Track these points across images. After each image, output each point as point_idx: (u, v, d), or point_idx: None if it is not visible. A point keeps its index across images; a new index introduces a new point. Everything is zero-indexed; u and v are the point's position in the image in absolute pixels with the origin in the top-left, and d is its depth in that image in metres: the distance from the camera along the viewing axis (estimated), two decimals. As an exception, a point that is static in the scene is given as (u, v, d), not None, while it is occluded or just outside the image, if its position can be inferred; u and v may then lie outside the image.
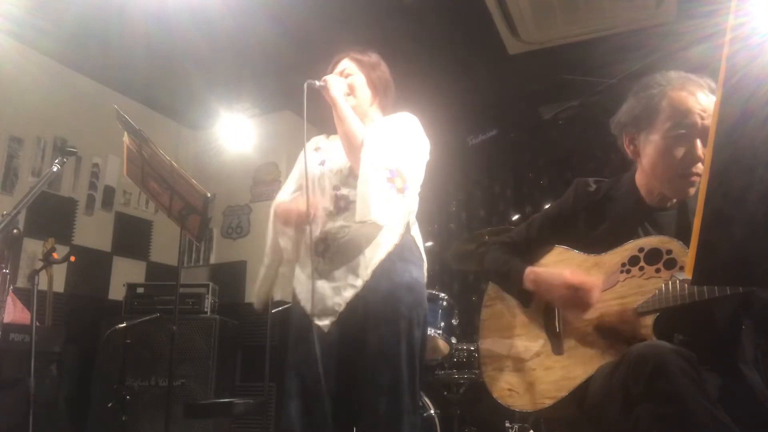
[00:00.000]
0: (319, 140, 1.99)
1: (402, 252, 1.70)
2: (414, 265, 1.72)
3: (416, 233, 1.79)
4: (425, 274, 1.78)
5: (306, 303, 1.70)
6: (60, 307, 3.50)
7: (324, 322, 1.65)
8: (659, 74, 1.47)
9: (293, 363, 1.68)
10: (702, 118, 1.36)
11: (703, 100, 1.37)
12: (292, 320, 1.76)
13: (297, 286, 1.78)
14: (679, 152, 1.37)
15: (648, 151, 1.44)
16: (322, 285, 1.68)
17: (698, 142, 1.35)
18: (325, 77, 1.80)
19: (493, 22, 3.39)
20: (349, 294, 1.65)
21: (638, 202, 1.48)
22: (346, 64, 1.92)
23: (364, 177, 1.62)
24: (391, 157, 1.66)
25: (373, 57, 1.96)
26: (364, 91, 1.89)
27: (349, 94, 1.85)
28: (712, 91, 1.40)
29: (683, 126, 1.37)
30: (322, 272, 1.70)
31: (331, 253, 1.69)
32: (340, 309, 1.64)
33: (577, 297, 1.39)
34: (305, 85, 1.72)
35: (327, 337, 1.63)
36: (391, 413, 1.54)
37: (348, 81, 1.87)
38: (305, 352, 1.63)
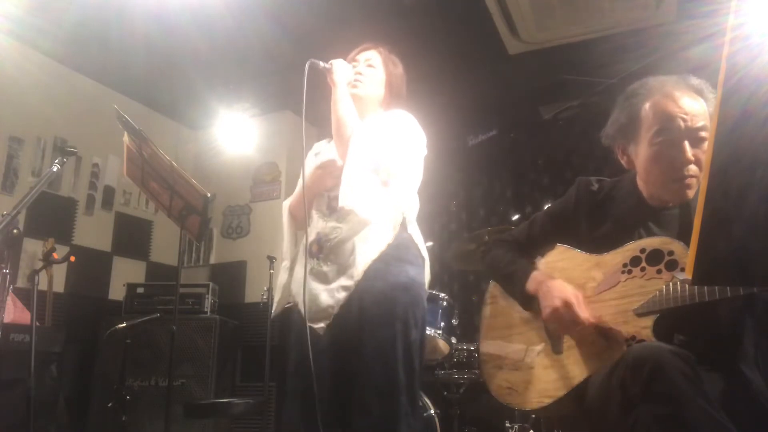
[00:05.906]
0: (320, 145, 1.98)
1: (398, 251, 1.67)
2: (411, 265, 1.69)
3: (414, 232, 1.75)
4: (426, 273, 1.75)
5: (301, 305, 1.68)
6: (60, 307, 3.49)
7: (319, 325, 1.62)
8: (639, 83, 1.47)
9: (293, 365, 1.67)
10: (684, 121, 1.35)
11: (685, 103, 1.37)
12: (292, 322, 1.74)
13: (294, 288, 1.76)
14: (668, 158, 1.37)
15: (639, 160, 1.45)
16: (317, 287, 1.66)
17: (686, 144, 1.35)
18: (332, 60, 1.78)
19: (493, 22, 3.39)
20: (341, 296, 1.62)
21: (640, 202, 1.47)
22: (373, 55, 1.90)
23: (348, 165, 1.62)
24: (378, 150, 1.66)
25: (397, 60, 1.94)
26: (379, 88, 1.88)
27: (357, 83, 1.83)
28: (697, 91, 1.39)
29: (666, 132, 1.37)
30: (316, 274, 1.68)
31: (324, 254, 1.68)
32: (334, 312, 1.62)
33: (565, 314, 1.39)
34: (307, 65, 1.70)
35: (322, 340, 1.61)
36: (387, 415, 1.52)
37: (368, 72, 1.86)
38: (302, 355, 1.62)
